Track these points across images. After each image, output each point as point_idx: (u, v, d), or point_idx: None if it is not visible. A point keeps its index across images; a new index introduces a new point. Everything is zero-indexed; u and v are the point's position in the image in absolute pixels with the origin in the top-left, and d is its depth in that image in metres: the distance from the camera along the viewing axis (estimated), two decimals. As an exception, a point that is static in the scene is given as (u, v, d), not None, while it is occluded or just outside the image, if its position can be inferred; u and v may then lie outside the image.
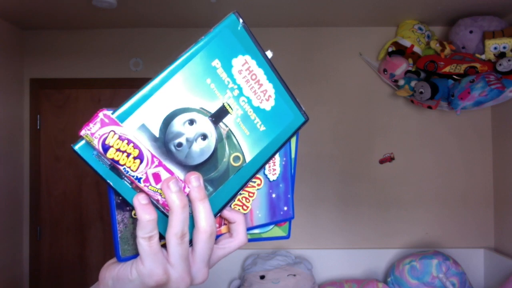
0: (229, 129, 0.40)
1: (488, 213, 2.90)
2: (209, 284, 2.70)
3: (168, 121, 0.37)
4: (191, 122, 0.38)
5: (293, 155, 0.47)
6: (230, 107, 0.40)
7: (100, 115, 0.34)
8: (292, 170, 0.47)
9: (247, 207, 0.45)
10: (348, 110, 2.94)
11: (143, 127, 0.36)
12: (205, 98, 0.39)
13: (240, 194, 0.45)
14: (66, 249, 2.95)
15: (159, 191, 0.36)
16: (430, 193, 2.92)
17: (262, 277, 2.55)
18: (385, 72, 2.81)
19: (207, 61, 0.38)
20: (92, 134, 0.33)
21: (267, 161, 0.42)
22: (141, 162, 0.35)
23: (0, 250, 2.66)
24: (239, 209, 0.45)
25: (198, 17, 2.74)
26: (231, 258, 2.77)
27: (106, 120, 0.34)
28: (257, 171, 0.42)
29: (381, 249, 2.89)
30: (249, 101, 0.41)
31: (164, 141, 0.37)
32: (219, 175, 0.40)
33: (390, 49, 2.76)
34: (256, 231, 0.47)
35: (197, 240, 0.38)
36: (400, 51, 2.73)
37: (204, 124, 0.39)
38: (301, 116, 0.43)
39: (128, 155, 0.34)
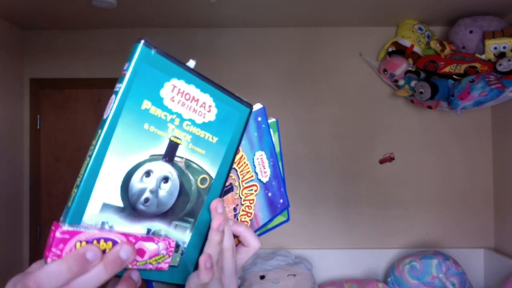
0: (185, 159, 0.40)
1: (488, 213, 2.90)
2: (209, 284, 2.70)
3: (125, 186, 0.36)
4: (148, 173, 0.37)
5: (277, 150, 0.49)
6: (177, 138, 0.39)
7: (57, 235, 0.32)
8: (281, 165, 0.49)
9: (251, 213, 0.48)
10: (348, 110, 2.94)
11: (105, 206, 0.35)
12: (151, 145, 0.37)
13: (243, 204, 0.47)
14: (66, 249, 2.95)
15: (149, 261, 0.36)
16: (430, 193, 2.91)
17: (262, 277, 2.55)
18: (385, 72, 2.81)
19: (136, 108, 0.36)
20: (59, 256, 0.32)
21: (232, 164, 0.43)
22: None
23: (0, 250, 2.66)
24: (245, 217, 0.47)
25: (198, 17, 2.73)
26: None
27: (66, 236, 0.32)
28: (227, 178, 0.43)
29: (381, 249, 2.89)
30: (193, 122, 0.40)
31: (131, 206, 0.37)
32: (194, 204, 0.41)
33: (390, 49, 2.76)
34: None
35: (224, 259, 0.42)
36: (400, 51, 2.72)
37: (161, 168, 0.38)
38: (245, 108, 0.43)
39: (103, 251, 0.33)
